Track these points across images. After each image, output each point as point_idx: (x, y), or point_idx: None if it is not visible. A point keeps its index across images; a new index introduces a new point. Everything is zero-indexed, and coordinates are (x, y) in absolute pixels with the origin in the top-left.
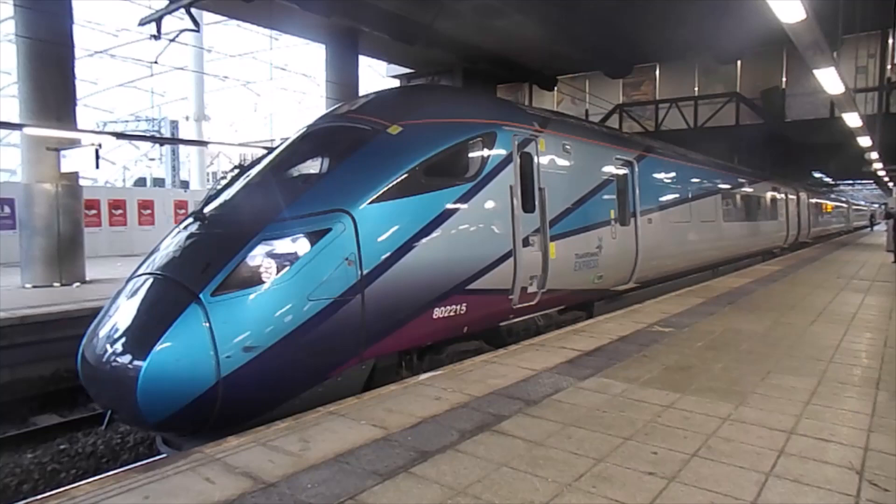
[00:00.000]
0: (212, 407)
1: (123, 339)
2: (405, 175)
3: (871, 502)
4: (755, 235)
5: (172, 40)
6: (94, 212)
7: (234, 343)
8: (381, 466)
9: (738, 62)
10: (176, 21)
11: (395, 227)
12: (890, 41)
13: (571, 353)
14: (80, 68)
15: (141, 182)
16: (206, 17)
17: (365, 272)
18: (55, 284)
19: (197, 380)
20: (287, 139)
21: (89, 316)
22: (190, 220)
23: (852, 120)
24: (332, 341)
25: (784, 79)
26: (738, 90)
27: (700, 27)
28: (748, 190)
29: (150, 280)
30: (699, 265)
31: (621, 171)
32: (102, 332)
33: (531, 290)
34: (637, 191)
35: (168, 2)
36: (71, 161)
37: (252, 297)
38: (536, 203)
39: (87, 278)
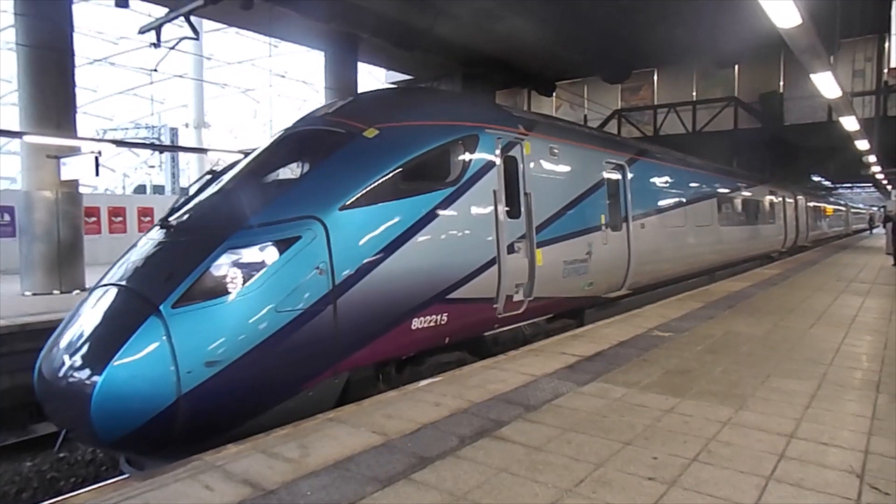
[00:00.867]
0: (172, 425)
1: (79, 354)
2: (381, 180)
3: None
4: (752, 240)
5: (172, 48)
6: (93, 219)
7: (195, 357)
8: (381, 472)
9: (737, 66)
10: (175, 29)
11: (370, 234)
12: (887, 45)
13: (571, 359)
14: (80, 76)
15: (141, 189)
16: (206, 24)
17: (337, 281)
18: (55, 292)
19: (156, 396)
20: (263, 144)
21: None
22: (156, 227)
23: (850, 123)
24: (302, 354)
25: (782, 83)
26: (737, 94)
27: (698, 31)
28: (745, 193)
29: (111, 291)
30: (695, 270)
31: (612, 175)
32: (59, 346)
33: (517, 298)
34: (629, 195)
35: (168, 10)
36: (71, 168)
37: (216, 308)
38: (522, 208)
39: (87, 286)
